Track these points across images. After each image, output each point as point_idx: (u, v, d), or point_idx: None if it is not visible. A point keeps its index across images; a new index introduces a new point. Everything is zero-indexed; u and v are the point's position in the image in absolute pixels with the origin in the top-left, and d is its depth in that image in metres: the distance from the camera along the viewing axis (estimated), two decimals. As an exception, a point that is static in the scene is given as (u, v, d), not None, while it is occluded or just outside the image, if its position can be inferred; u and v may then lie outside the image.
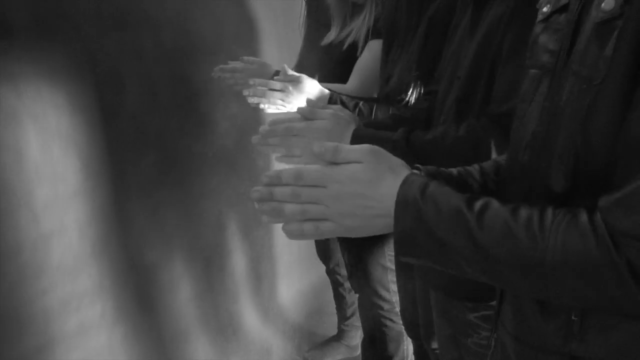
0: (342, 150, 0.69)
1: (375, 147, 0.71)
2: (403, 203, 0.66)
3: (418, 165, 0.84)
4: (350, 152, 0.69)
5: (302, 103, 1.55)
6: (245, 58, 1.66)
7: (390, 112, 1.50)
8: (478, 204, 0.65)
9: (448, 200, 0.66)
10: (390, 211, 0.67)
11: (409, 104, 1.49)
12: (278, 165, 1.10)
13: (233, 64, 1.71)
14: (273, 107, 1.55)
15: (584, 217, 0.61)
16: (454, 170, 0.88)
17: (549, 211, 0.64)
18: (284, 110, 1.56)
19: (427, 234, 0.66)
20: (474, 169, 0.90)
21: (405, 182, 0.68)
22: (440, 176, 0.85)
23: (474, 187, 0.87)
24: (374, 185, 0.68)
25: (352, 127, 1.20)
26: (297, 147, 1.13)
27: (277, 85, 1.52)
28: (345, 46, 1.76)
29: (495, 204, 0.65)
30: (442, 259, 0.67)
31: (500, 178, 0.88)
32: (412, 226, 0.66)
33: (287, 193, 0.70)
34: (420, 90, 1.47)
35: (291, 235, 0.72)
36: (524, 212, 0.64)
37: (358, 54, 1.73)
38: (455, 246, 0.65)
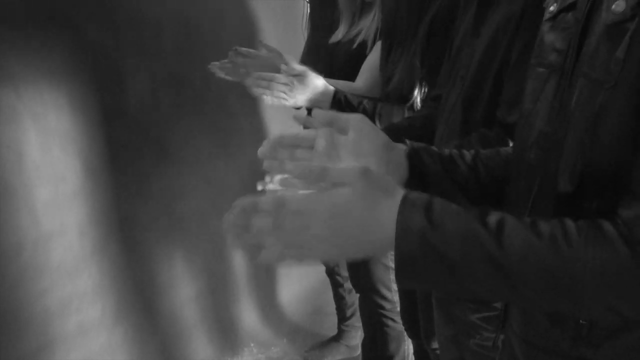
0: (329, 171, 0.62)
1: (365, 167, 0.63)
2: (404, 229, 0.60)
3: (406, 140, 0.83)
4: (339, 173, 0.62)
5: (306, 97, 1.53)
6: (267, 45, 1.59)
7: (406, 114, 1.48)
8: (493, 221, 0.61)
9: (458, 221, 0.61)
10: (391, 236, 0.60)
11: (415, 107, 1.49)
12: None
13: (252, 51, 1.62)
14: (276, 100, 1.52)
15: (609, 227, 0.59)
16: (446, 150, 0.86)
17: (570, 224, 0.61)
18: (286, 103, 1.53)
19: (435, 259, 0.60)
20: (468, 151, 0.88)
21: (404, 205, 0.61)
22: (428, 154, 0.83)
23: (462, 168, 0.85)
24: (369, 213, 0.61)
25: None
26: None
27: (282, 79, 1.50)
28: (355, 45, 1.74)
29: (510, 219, 0.61)
30: (450, 283, 0.62)
31: (496, 163, 0.86)
32: (417, 251, 0.60)
33: (267, 226, 0.60)
34: (425, 90, 1.47)
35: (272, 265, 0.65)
36: (544, 227, 0.60)
37: (367, 52, 1.71)
38: (470, 269, 0.60)
